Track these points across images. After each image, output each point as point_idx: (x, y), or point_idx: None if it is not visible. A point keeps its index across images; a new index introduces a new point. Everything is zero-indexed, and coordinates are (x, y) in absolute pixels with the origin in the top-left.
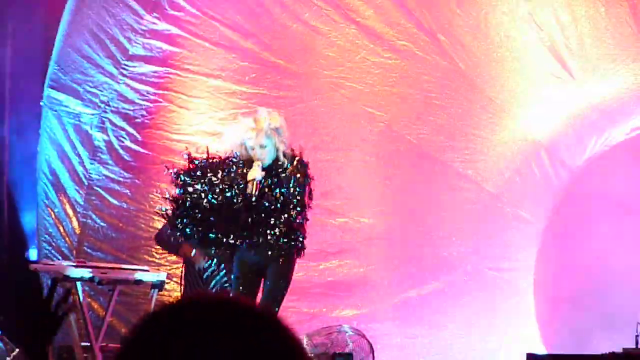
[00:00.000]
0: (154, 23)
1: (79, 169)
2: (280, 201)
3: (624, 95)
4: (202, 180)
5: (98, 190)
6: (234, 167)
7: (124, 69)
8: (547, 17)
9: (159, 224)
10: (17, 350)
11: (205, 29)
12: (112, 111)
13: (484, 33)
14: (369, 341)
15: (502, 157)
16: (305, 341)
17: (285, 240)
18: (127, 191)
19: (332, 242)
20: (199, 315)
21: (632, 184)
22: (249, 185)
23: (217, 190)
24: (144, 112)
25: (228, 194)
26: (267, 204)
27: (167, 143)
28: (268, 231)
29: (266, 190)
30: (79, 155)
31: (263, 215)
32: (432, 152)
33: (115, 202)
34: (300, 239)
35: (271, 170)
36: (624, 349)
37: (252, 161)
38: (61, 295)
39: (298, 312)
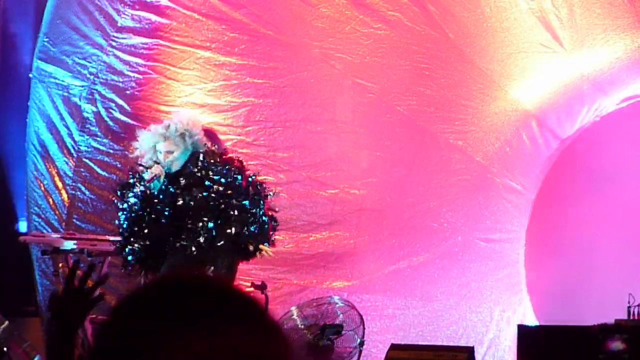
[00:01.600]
0: None
1: (68, 140)
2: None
3: (614, 66)
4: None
5: (87, 162)
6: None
7: (113, 40)
8: None
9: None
10: (7, 322)
11: (195, 0)
12: (101, 83)
13: (474, 3)
14: (359, 312)
15: (492, 127)
16: (295, 312)
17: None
18: (117, 163)
19: (322, 214)
20: (174, 295)
21: (621, 155)
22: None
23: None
24: (133, 84)
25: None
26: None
27: (157, 115)
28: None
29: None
30: (67, 127)
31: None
32: (422, 123)
33: (104, 174)
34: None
35: (176, 178)
36: (615, 320)
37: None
38: (85, 271)
39: (288, 284)
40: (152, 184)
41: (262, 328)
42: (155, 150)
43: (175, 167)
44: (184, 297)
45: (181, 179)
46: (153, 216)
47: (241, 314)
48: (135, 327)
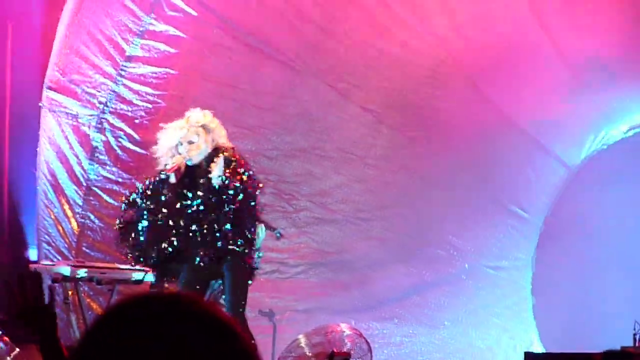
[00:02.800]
0: (151, 24)
1: (78, 169)
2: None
3: (623, 95)
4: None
5: (96, 190)
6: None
7: (122, 69)
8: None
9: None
10: (18, 350)
11: (203, 30)
12: (110, 112)
13: (481, 30)
14: (367, 340)
15: (498, 154)
16: (303, 340)
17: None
18: (126, 192)
19: (330, 242)
20: (147, 312)
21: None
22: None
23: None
24: (143, 113)
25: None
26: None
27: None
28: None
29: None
30: (77, 156)
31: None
32: (427, 150)
33: (113, 202)
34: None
35: (190, 173)
36: (622, 347)
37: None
38: (51, 291)
39: (295, 311)
40: (171, 175)
41: (234, 350)
42: (177, 146)
43: (196, 159)
44: (154, 318)
45: (201, 180)
46: (170, 223)
47: (214, 336)
48: (107, 347)
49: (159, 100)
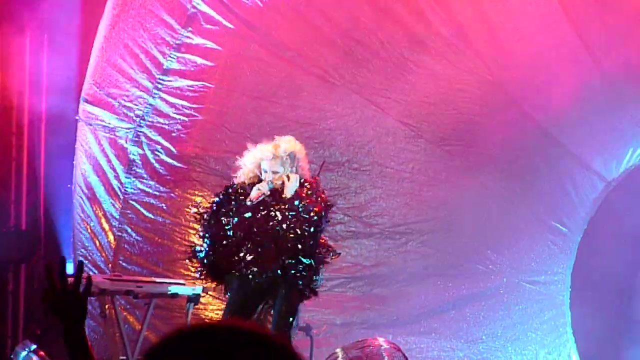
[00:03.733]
0: (188, 37)
1: (115, 182)
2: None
3: None
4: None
5: (133, 204)
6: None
7: (159, 83)
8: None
9: (195, 237)
10: None
11: (240, 44)
12: (147, 125)
13: (517, 43)
14: (404, 354)
15: (537, 169)
16: (340, 354)
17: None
18: (163, 205)
19: (367, 256)
20: (208, 343)
21: None
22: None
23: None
24: (179, 126)
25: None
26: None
27: (203, 156)
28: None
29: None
30: (114, 169)
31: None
32: (467, 164)
33: (150, 215)
34: (298, 278)
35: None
36: None
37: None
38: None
39: (333, 326)
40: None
41: None
42: (261, 167)
43: (288, 194)
44: (215, 347)
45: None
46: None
47: None
48: None
49: (196, 114)
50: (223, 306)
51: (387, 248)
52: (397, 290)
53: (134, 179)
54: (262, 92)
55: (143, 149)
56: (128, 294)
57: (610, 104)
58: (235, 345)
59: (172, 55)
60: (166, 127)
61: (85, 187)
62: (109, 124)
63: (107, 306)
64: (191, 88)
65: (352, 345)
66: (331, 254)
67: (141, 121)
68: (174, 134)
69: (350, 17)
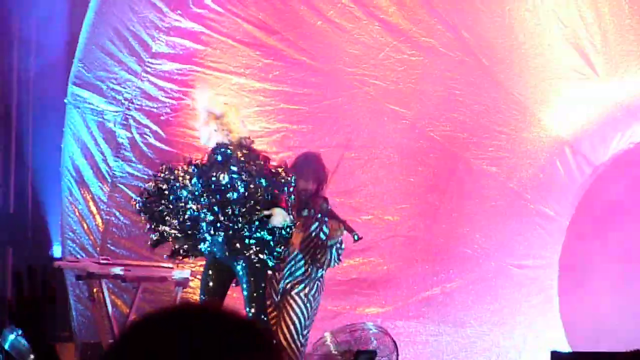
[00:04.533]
0: (177, 20)
1: (103, 166)
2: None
3: None
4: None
5: (121, 187)
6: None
7: (147, 66)
8: (571, 13)
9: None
10: (32, 356)
11: (229, 27)
12: (135, 108)
13: (507, 30)
14: (392, 339)
15: (525, 154)
16: (329, 338)
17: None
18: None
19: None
20: (182, 324)
21: None
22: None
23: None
24: (168, 110)
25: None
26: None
27: (191, 140)
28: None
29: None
30: (102, 153)
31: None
32: (456, 150)
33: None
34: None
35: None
36: None
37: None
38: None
39: (322, 310)
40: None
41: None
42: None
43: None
44: (189, 329)
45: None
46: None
47: (249, 345)
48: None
49: (184, 97)
50: None
51: (376, 232)
52: (385, 275)
53: (122, 163)
54: (251, 74)
55: (131, 132)
56: (116, 278)
57: (598, 90)
58: (206, 329)
59: (160, 39)
60: (155, 110)
61: (74, 170)
62: (98, 107)
63: (95, 290)
64: (180, 71)
65: (341, 329)
66: (354, 234)
67: (130, 104)
68: (162, 118)
69: (338, 5)
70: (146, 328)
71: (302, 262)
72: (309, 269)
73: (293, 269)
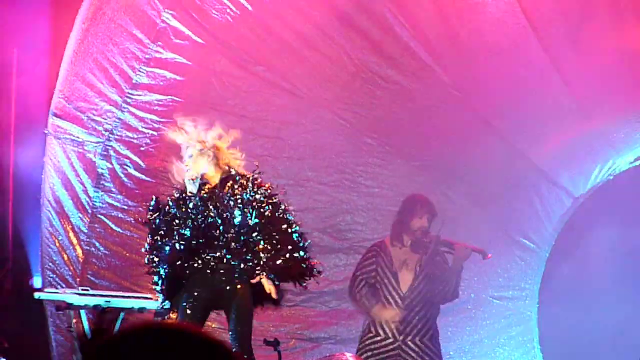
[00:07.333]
0: (158, 52)
1: (83, 196)
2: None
3: (628, 124)
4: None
5: (102, 218)
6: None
7: (128, 97)
8: (552, 42)
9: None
10: None
11: (210, 58)
12: (115, 139)
13: (485, 59)
14: None
15: (505, 185)
16: None
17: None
18: (131, 219)
19: (336, 271)
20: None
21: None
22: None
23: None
24: (148, 140)
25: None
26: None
27: (171, 170)
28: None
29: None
30: (82, 183)
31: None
32: (437, 178)
33: (118, 229)
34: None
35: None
36: None
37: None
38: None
39: (301, 341)
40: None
41: None
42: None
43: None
44: (154, 348)
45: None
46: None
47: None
48: None
49: (164, 128)
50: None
51: (355, 263)
52: None
53: (102, 193)
54: (230, 106)
55: (112, 163)
56: (96, 309)
57: (578, 123)
58: (173, 344)
59: (141, 70)
60: (135, 141)
61: (54, 201)
62: (78, 137)
63: (74, 321)
64: (160, 102)
65: None
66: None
67: (110, 135)
68: (142, 148)
69: (319, 32)
70: (109, 348)
71: None
72: None
73: None
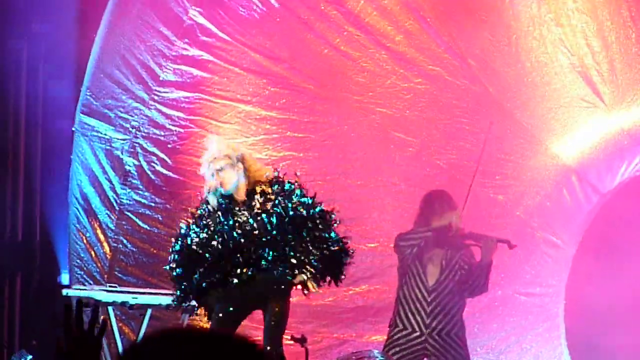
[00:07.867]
0: (185, 49)
1: (110, 194)
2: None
3: None
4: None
5: (129, 215)
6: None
7: (155, 94)
8: (578, 42)
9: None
10: None
11: (236, 55)
12: (143, 136)
13: (514, 58)
14: None
15: (532, 182)
16: None
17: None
18: (158, 216)
19: (362, 267)
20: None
21: None
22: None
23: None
24: (175, 138)
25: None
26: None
27: (198, 168)
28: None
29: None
30: (110, 180)
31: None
32: (462, 177)
33: (146, 226)
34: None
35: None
36: None
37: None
38: (91, 316)
39: (328, 337)
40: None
41: None
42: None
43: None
44: (187, 353)
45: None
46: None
47: None
48: None
49: (191, 125)
50: None
51: (382, 260)
52: (391, 303)
53: (129, 190)
54: (257, 102)
55: (139, 160)
56: (123, 305)
57: (605, 119)
58: (213, 348)
59: (168, 67)
60: (162, 138)
61: (81, 198)
62: (105, 135)
63: (102, 317)
64: (187, 99)
65: (347, 356)
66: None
67: (137, 132)
68: (169, 145)
69: (345, 30)
70: (146, 350)
71: None
72: None
73: None
